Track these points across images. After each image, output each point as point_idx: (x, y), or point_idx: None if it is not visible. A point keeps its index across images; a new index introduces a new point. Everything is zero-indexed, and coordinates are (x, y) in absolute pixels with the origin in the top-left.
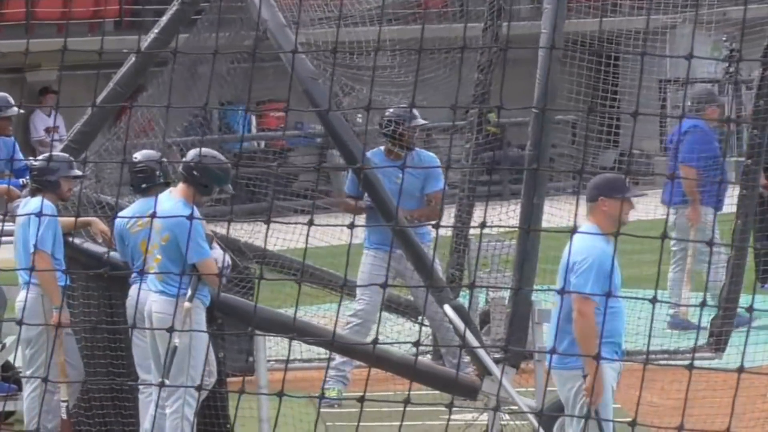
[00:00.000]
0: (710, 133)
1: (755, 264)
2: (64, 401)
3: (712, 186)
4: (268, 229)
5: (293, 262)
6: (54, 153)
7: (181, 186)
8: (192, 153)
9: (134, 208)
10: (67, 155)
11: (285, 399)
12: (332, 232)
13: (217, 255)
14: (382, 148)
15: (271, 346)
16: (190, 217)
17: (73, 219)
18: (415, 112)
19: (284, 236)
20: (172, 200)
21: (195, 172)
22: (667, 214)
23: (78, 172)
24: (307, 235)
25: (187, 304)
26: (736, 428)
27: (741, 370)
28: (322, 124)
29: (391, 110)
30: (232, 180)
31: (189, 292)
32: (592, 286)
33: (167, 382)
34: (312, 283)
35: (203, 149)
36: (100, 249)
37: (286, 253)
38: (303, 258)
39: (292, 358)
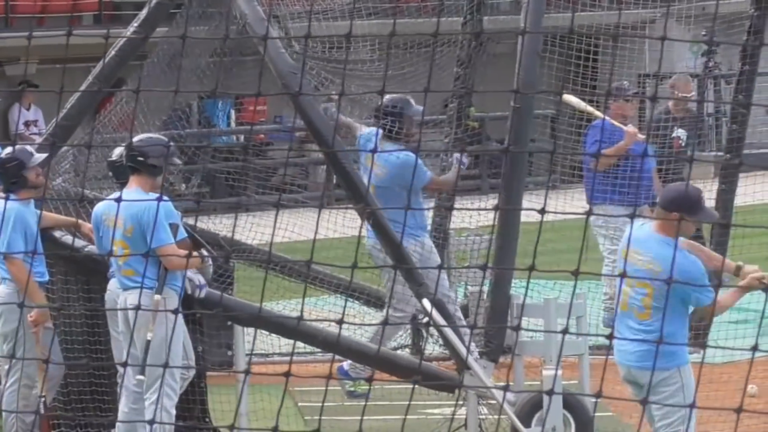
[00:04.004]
0: (610, 130)
1: None
2: (41, 396)
3: (624, 183)
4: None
5: (272, 256)
6: (7, 150)
7: (132, 178)
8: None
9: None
10: (23, 146)
11: (264, 392)
12: (312, 227)
13: (193, 276)
14: (378, 130)
15: (250, 341)
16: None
17: (57, 214)
18: (412, 100)
19: (264, 230)
20: (129, 194)
21: (139, 158)
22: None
23: (41, 157)
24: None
25: (156, 296)
26: (715, 423)
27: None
28: (297, 111)
29: (390, 97)
30: (209, 172)
31: (158, 284)
32: None
33: (142, 377)
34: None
35: (136, 136)
36: (79, 242)
37: (266, 248)
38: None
39: (271, 351)
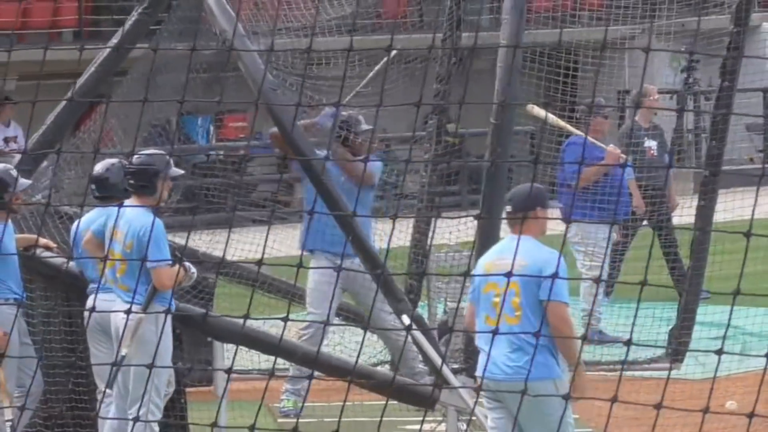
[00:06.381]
0: (589, 147)
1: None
2: (8, 421)
3: (602, 199)
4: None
5: (251, 272)
6: None
7: (133, 197)
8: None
9: (91, 215)
10: (7, 168)
11: (243, 409)
12: (291, 242)
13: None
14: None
15: (229, 357)
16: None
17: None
18: (361, 118)
19: (243, 246)
20: (133, 210)
21: (131, 180)
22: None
23: (25, 183)
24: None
25: (140, 314)
26: None
27: None
28: (277, 128)
29: (345, 114)
30: (188, 188)
31: (144, 302)
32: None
33: (116, 390)
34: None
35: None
36: (59, 260)
37: (246, 264)
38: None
39: (250, 368)
